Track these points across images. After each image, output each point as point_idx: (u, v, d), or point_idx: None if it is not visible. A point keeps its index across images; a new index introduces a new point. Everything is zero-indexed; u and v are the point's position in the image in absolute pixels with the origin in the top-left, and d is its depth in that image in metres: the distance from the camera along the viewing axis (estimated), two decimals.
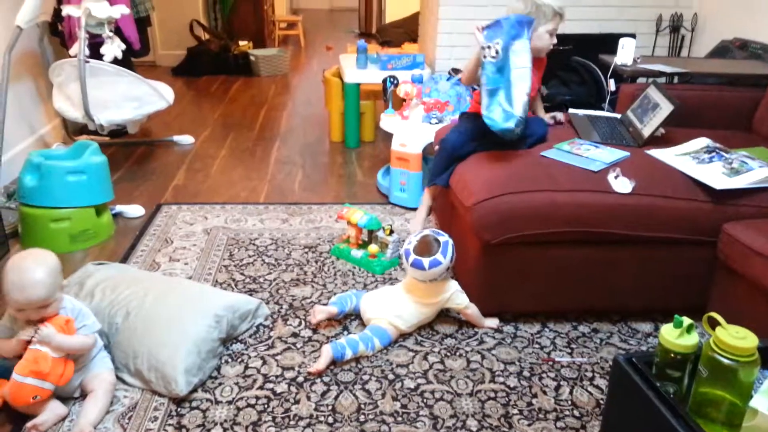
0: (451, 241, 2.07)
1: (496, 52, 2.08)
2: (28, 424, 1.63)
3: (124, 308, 1.89)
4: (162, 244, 2.67)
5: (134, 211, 2.94)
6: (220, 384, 1.83)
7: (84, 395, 1.74)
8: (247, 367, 1.91)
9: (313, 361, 1.92)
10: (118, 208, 2.91)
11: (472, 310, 2.08)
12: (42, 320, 1.65)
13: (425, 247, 2.06)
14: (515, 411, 1.76)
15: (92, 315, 1.78)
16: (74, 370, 1.70)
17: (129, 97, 3.38)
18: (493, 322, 2.13)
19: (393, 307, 2.04)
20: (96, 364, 1.78)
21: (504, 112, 2.10)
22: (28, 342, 1.64)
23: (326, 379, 1.86)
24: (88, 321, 1.75)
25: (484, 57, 2.13)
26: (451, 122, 2.92)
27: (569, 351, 2.03)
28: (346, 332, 2.08)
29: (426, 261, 2.00)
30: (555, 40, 2.37)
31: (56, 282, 1.66)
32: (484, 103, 2.13)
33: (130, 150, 3.84)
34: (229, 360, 1.93)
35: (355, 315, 2.15)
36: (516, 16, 2.14)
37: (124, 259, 2.52)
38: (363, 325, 2.09)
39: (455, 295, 2.07)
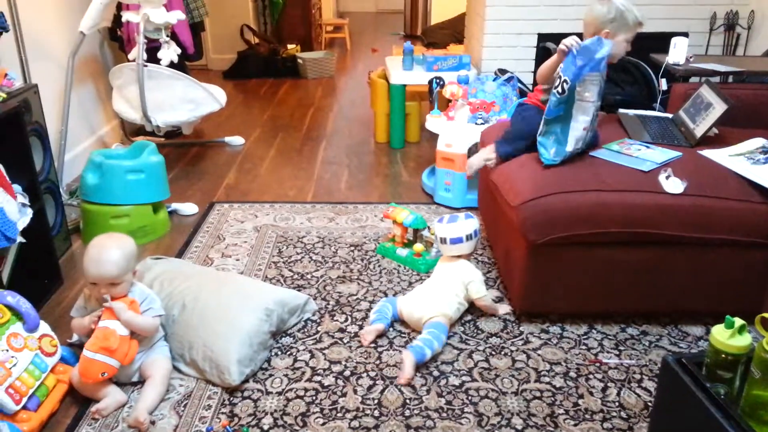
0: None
1: (563, 89, 1.99)
2: (92, 408, 1.73)
3: (181, 301, 1.98)
4: (215, 240, 2.76)
5: (188, 209, 3.05)
6: (270, 375, 1.89)
7: (142, 381, 1.83)
8: (296, 360, 1.96)
9: (360, 355, 1.97)
10: (174, 205, 3.03)
11: (487, 302, 2.17)
12: (110, 298, 1.77)
13: None
14: (561, 411, 1.76)
15: (159, 301, 1.90)
16: (137, 351, 1.80)
17: (185, 100, 3.50)
18: (504, 309, 2.23)
19: (438, 298, 2.10)
20: (155, 350, 1.87)
21: (555, 146, 2.07)
22: (99, 319, 1.76)
23: (372, 374, 1.90)
24: (154, 305, 1.86)
25: (555, 84, 2.02)
26: (498, 122, 2.93)
27: (617, 353, 2.01)
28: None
29: (461, 214, 2.22)
30: (630, 48, 2.26)
31: (129, 265, 1.80)
32: (541, 128, 2.08)
33: (184, 150, 3.98)
34: (279, 353, 2.00)
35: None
36: (594, 49, 2.01)
37: (180, 255, 2.63)
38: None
39: (475, 284, 2.14)
